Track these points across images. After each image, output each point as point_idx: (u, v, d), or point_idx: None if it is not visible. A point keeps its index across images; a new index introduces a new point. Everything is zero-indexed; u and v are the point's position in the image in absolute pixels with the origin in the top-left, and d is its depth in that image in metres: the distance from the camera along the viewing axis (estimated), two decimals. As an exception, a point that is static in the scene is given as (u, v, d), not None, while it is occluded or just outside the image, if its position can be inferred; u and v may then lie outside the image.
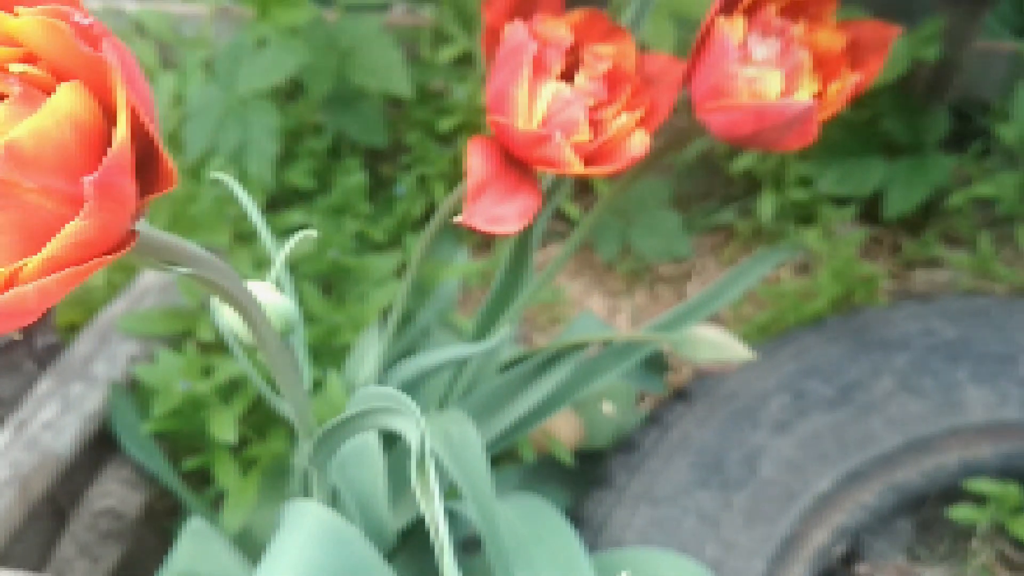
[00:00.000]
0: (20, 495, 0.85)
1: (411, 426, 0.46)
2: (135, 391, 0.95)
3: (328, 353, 1.00)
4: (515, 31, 0.47)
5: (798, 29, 0.50)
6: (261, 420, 0.99)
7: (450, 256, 1.26)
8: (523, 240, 0.78)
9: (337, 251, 1.05)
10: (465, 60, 1.25)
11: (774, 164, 1.25)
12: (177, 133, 1.17)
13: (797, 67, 0.49)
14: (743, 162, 1.26)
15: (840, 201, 1.26)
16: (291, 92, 1.32)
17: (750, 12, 0.50)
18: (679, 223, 1.30)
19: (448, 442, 0.74)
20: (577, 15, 0.51)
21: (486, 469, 0.74)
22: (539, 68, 0.49)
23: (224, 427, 0.87)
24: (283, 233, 1.10)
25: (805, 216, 1.29)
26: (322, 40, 1.17)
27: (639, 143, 0.49)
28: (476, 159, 0.47)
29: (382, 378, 0.81)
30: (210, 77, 1.16)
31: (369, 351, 0.91)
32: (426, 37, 1.26)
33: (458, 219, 0.46)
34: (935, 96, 1.22)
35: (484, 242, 1.38)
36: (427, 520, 0.42)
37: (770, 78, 0.48)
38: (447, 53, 1.20)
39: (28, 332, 0.91)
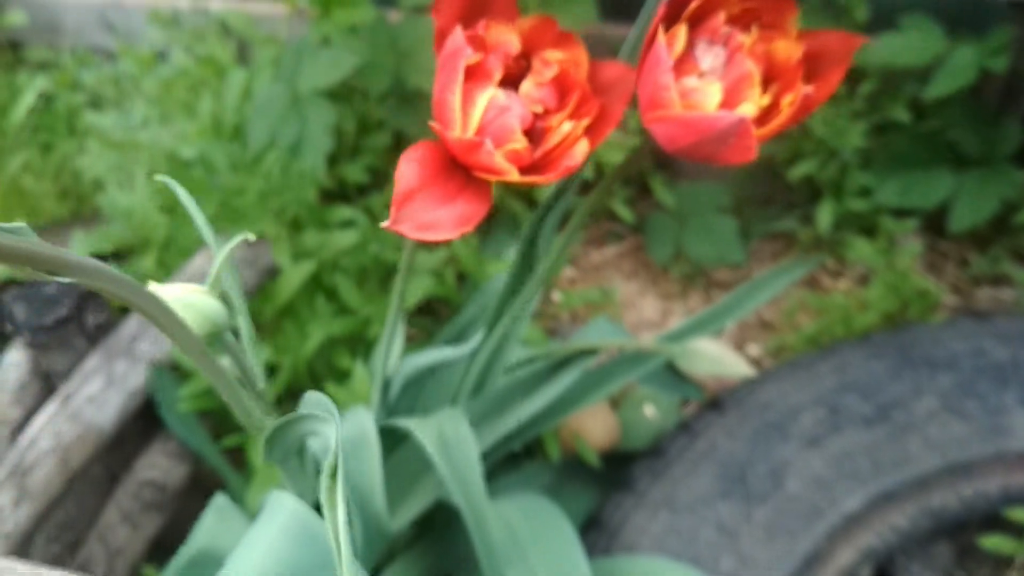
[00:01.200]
0: (61, 464, 0.91)
1: (332, 433, 0.47)
2: (178, 370, 1.00)
3: (361, 344, 1.03)
4: (454, 37, 0.48)
5: (747, 38, 0.49)
6: (290, 408, 1.03)
7: (502, 251, 1.28)
8: (530, 240, 0.79)
9: (380, 246, 1.08)
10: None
11: (834, 172, 1.22)
12: (243, 126, 1.22)
13: (743, 78, 0.49)
14: (802, 168, 1.23)
15: (903, 213, 1.22)
16: (360, 89, 1.36)
17: (698, 20, 0.50)
18: (734, 229, 1.28)
19: (442, 441, 0.75)
20: (528, 21, 0.51)
21: (478, 469, 0.75)
22: (479, 75, 0.49)
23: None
24: (332, 227, 1.14)
25: (867, 226, 1.25)
26: (384, 40, 1.20)
27: (580, 152, 0.49)
28: (407, 165, 0.48)
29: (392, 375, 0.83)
30: (276, 74, 1.21)
31: (393, 343, 0.93)
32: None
33: (384, 224, 0.47)
34: (1007, 107, 1.16)
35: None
36: (328, 528, 0.44)
37: (710, 90, 0.48)
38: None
39: (81, 310, 0.97)
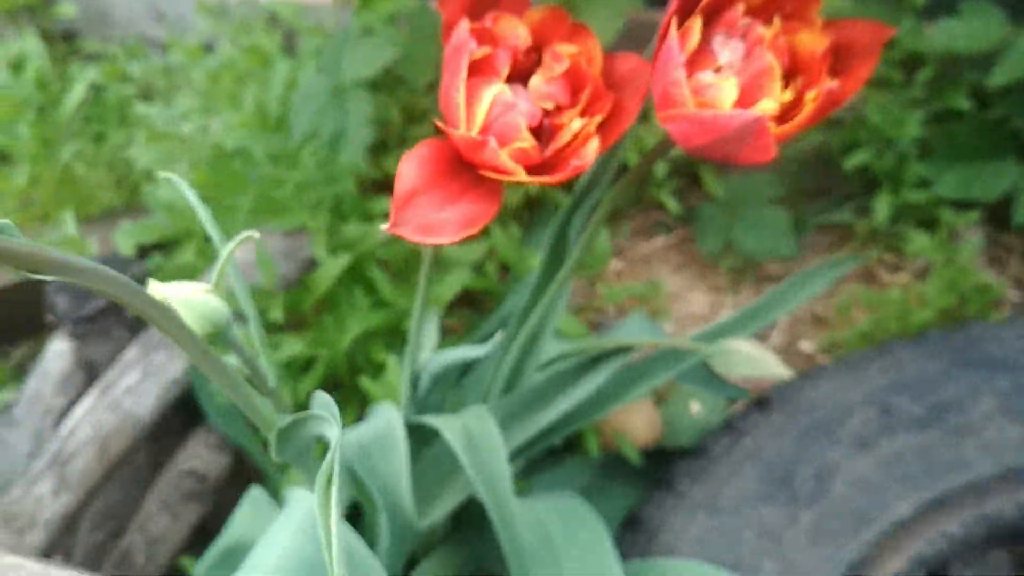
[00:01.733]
0: (99, 454, 0.92)
1: (333, 436, 0.46)
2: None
3: (398, 337, 1.02)
4: (458, 30, 0.46)
5: (768, 30, 0.46)
6: (335, 398, 1.02)
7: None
8: (560, 233, 0.77)
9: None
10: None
11: (892, 162, 1.17)
12: (287, 117, 1.22)
13: (763, 72, 0.46)
14: (858, 158, 1.19)
15: (964, 205, 1.17)
16: (405, 79, 1.35)
17: (716, 11, 0.47)
18: (786, 221, 1.24)
19: (468, 439, 0.74)
20: (537, 13, 0.49)
21: (505, 467, 0.74)
22: (486, 69, 0.48)
23: (282, 404, 0.90)
24: (375, 218, 1.13)
25: (926, 219, 1.20)
26: (426, 29, 1.19)
27: (591, 152, 0.47)
28: (408, 164, 0.46)
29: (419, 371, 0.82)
30: (319, 64, 1.21)
31: (421, 339, 0.92)
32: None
33: (384, 227, 0.46)
34: (1078, 94, 1.10)
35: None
36: (321, 535, 0.43)
37: (725, 86, 0.45)
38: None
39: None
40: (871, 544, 0.92)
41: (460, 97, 0.46)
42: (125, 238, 1.08)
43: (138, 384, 0.95)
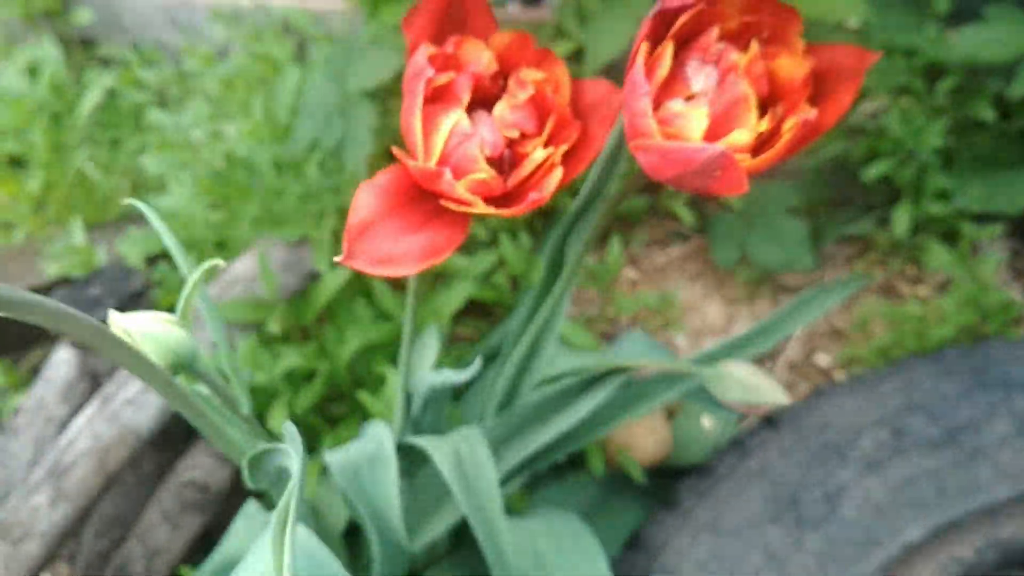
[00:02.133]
0: (98, 466, 0.92)
1: (295, 472, 0.45)
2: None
3: (400, 349, 1.01)
4: (416, 56, 0.45)
5: (742, 56, 0.44)
6: (335, 410, 1.02)
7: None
8: (558, 248, 0.75)
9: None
10: (580, 56, 1.21)
11: (913, 173, 1.14)
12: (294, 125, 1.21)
13: (736, 101, 0.44)
14: (879, 168, 1.16)
15: (986, 217, 1.13)
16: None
17: (691, 35, 0.45)
18: (803, 232, 1.21)
19: (457, 463, 0.73)
20: (504, 37, 0.47)
21: (495, 491, 0.72)
22: (446, 97, 0.46)
23: (279, 419, 0.90)
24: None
25: (948, 231, 1.17)
26: (437, 36, 1.17)
27: (552, 184, 0.45)
28: (365, 194, 0.45)
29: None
30: (327, 73, 1.20)
31: (413, 358, 0.91)
32: (547, 33, 1.24)
33: (337, 259, 0.44)
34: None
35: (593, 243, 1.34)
36: (273, 564, 0.41)
37: (695, 116, 0.43)
38: (560, 49, 1.17)
39: (123, 311, 0.97)
40: (880, 569, 0.90)
41: (417, 125, 0.45)
42: (131, 247, 1.08)
43: (137, 396, 0.95)
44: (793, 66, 0.45)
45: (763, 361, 1.23)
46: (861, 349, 1.16)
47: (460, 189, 0.44)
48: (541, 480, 1.06)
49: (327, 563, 0.62)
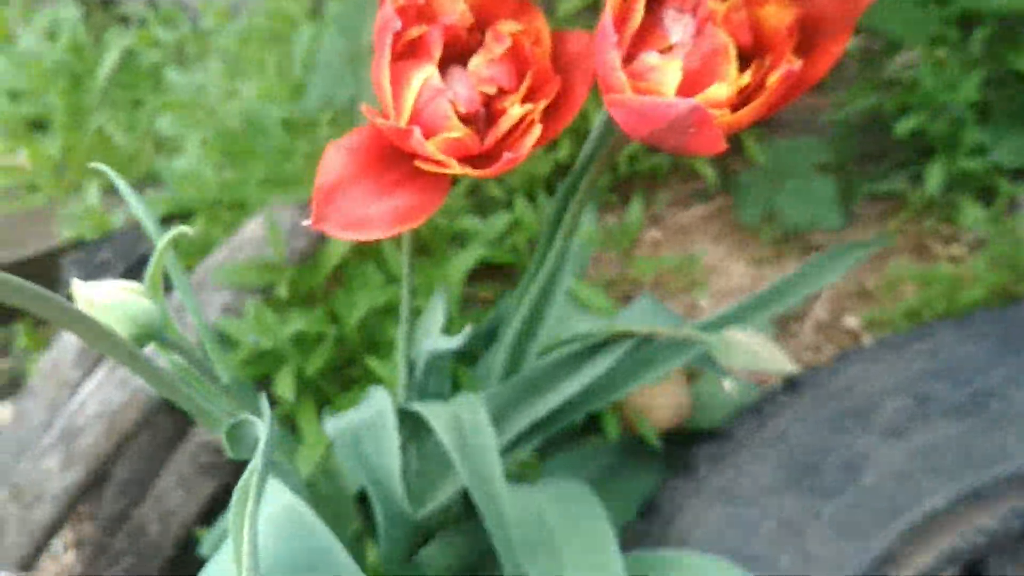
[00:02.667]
0: (108, 429, 0.92)
1: (260, 443, 0.44)
2: (226, 339, 0.99)
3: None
4: (385, 6, 0.42)
5: (721, 3, 0.41)
6: (347, 375, 1.01)
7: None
8: (559, 209, 0.73)
9: (437, 212, 1.03)
10: (597, 9, 1.18)
11: (947, 127, 1.09)
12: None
13: (714, 52, 0.41)
14: (911, 123, 1.11)
15: (1023, 174, 1.08)
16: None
17: (665, -18, 0.42)
18: (832, 190, 1.17)
19: (456, 427, 0.71)
20: (480, -13, 0.45)
21: (495, 458, 0.71)
22: (418, 51, 0.44)
23: (285, 384, 0.89)
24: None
25: (983, 188, 1.12)
26: (452, -10, 1.14)
27: (528, 143, 0.43)
28: (334, 154, 0.43)
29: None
30: (340, 28, 1.17)
31: (434, 317, 0.89)
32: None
33: (306, 223, 0.42)
34: None
35: (614, 203, 1.32)
36: (233, 555, 0.40)
37: (669, 69, 0.41)
38: (573, 4, 1.14)
39: (133, 274, 0.97)
40: (900, 538, 0.87)
41: (385, 82, 0.42)
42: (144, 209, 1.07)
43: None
44: (778, 14, 0.42)
45: (790, 322, 1.20)
46: (889, 311, 1.12)
47: (431, 148, 0.42)
48: (556, 445, 1.04)
49: (318, 534, 0.61)
